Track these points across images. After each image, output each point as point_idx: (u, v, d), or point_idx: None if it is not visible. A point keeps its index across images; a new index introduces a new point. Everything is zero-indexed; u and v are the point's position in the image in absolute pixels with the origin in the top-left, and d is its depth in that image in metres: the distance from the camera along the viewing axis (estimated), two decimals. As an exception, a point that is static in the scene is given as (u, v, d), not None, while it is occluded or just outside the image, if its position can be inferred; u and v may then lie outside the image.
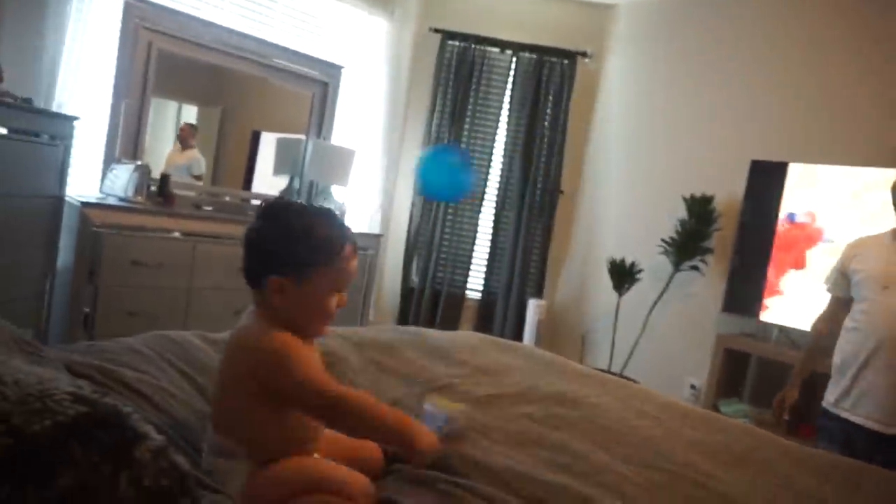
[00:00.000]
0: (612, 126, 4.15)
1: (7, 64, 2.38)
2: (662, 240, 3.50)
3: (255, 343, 1.00)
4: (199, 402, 1.26)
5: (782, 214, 3.11)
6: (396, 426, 1.03)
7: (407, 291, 4.23)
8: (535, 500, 1.07)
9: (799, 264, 3.06)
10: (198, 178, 3.48)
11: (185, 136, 3.45)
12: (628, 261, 3.61)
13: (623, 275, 3.61)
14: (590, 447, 1.31)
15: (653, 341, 3.59)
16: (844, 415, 1.97)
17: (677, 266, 3.47)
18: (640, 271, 3.60)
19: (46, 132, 2.45)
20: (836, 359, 2.04)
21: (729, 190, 3.39)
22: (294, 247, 1.01)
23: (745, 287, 3.22)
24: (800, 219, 3.08)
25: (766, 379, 3.22)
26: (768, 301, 3.11)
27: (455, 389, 1.56)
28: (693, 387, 3.50)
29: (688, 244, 3.42)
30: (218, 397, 1.06)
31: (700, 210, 3.39)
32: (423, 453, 1.03)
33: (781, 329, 3.08)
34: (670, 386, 3.37)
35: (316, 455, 1.09)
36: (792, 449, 1.53)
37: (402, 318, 4.15)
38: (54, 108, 2.69)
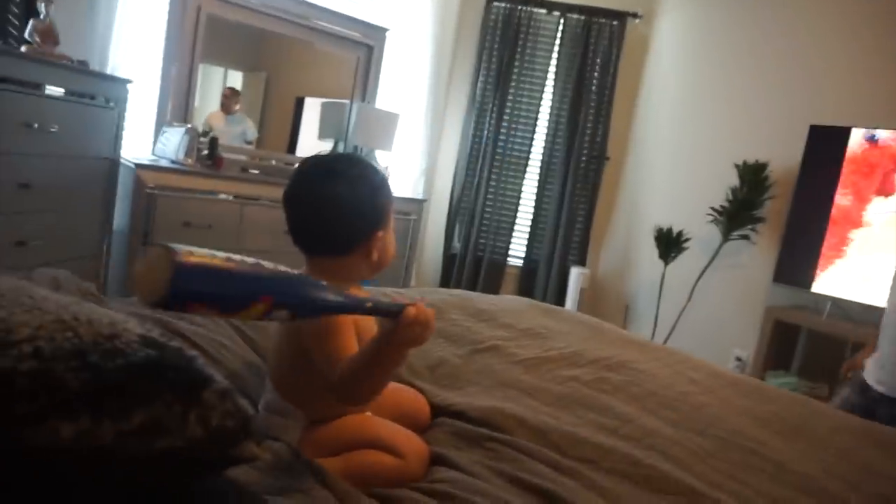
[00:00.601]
0: (661, 90, 4.02)
1: (62, 27, 2.42)
2: (712, 208, 3.40)
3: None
4: (251, 355, 1.30)
5: (856, 142, 2.93)
6: (392, 358, 0.88)
7: (449, 258, 4.24)
8: (583, 459, 1.07)
9: (888, 189, 2.82)
10: (250, 143, 3.54)
11: (228, 101, 3.49)
12: (675, 229, 3.52)
13: (670, 243, 3.53)
14: (638, 411, 1.30)
15: (698, 312, 3.52)
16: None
17: (727, 235, 3.37)
18: (687, 240, 3.52)
19: (102, 94, 2.51)
20: None
21: (785, 157, 3.26)
22: (383, 196, 1.03)
23: (798, 258, 3.11)
24: (883, 140, 2.86)
25: (817, 352, 3.14)
26: (824, 272, 3.01)
27: (501, 351, 1.56)
28: (739, 359, 3.43)
29: (739, 213, 3.31)
30: (275, 358, 1.07)
31: (753, 177, 3.27)
32: (421, 339, 0.86)
33: (835, 301, 2.97)
34: (715, 357, 3.29)
35: (368, 413, 1.10)
36: (849, 421, 1.49)
37: (444, 285, 4.17)
38: (109, 71, 2.75)
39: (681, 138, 3.86)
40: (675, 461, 1.11)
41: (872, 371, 2.01)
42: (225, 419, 0.61)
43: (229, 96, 3.50)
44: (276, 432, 1.00)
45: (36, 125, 2.13)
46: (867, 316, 2.73)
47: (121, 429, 0.53)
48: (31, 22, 2.35)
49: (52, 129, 2.19)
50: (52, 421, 0.49)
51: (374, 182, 1.02)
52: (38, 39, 2.32)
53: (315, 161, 1.04)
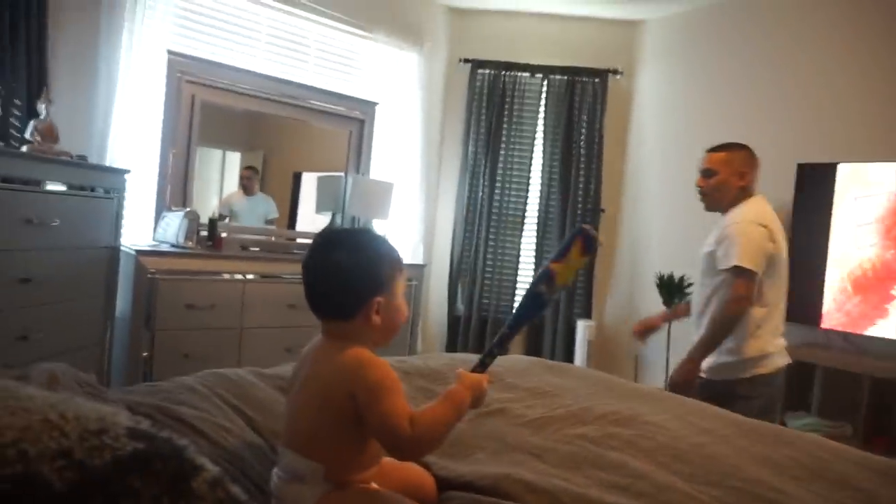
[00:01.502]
0: (648, 140, 4.10)
1: (62, 124, 2.51)
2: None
3: (355, 359, 1.01)
4: (251, 436, 1.28)
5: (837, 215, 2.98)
6: (457, 415, 1.04)
7: (453, 320, 4.22)
8: (596, 523, 1.04)
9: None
10: (270, 222, 3.64)
11: (248, 182, 3.59)
12: (677, 275, 3.52)
13: (672, 289, 3.52)
14: (650, 466, 1.27)
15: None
16: None
17: (729, 278, 3.36)
18: (689, 285, 3.50)
19: (101, 186, 2.57)
20: None
21: (776, 196, 3.28)
22: (383, 265, 1.08)
23: (804, 295, 3.09)
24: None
25: (834, 390, 3.07)
26: (827, 309, 2.98)
27: (507, 413, 1.53)
28: (756, 402, 3.35)
29: (738, 254, 3.31)
30: (298, 418, 1.07)
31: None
32: (479, 403, 1.09)
33: (846, 337, 2.93)
34: (732, 402, 3.23)
35: (374, 485, 1.08)
36: (870, 460, 1.44)
37: (450, 347, 4.14)
38: (108, 163, 2.83)
39: (672, 185, 3.91)
40: (691, 517, 1.07)
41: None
42: (216, 509, 0.60)
43: (249, 177, 3.60)
44: (292, 500, 1.01)
45: (36, 220, 2.17)
46: (884, 348, 2.70)
47: (108, 528, 0.52)
48: (31, 122, 2.43)
49: (53, 224, 2.24)
50: (36, 525, 0.49)
51: (373, 251, 1.09)
52: (38, 138, 2.40)
53: (323, 233, 1.15)
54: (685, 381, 2.19)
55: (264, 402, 1.42)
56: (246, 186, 3.59)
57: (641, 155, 4.15)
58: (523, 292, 4.06)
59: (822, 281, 3.01)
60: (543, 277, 1.15)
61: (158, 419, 1.17)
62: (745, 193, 2.33)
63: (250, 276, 3.01)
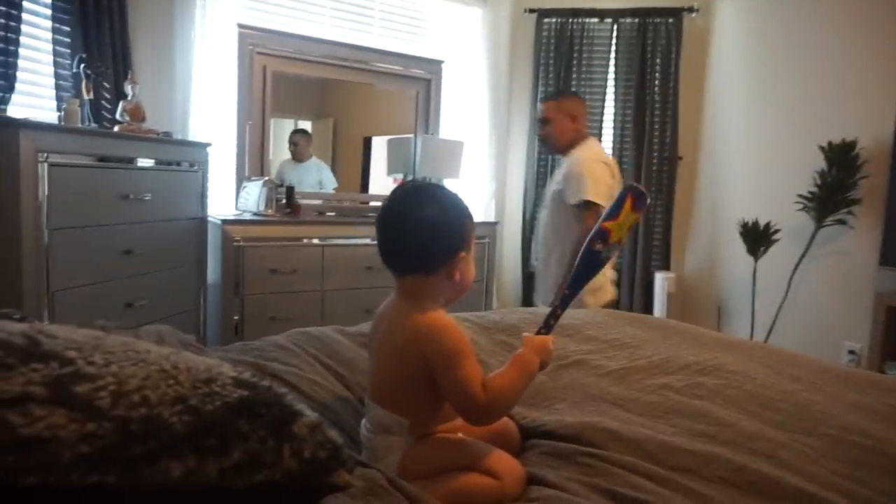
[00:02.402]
0: (728, 82, 3.88)
1: (147, 104, 2.65)
2: (800, 195, 3.22)
3: (430, 326, 1.02)
4: (341, 389, 1.34)
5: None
6: (528, 380, 1.06)
7: (528, 276, 4.21)
8: (681, 469, 1.03)
9: None
10: (325, 196, 3.64)
11: (298, 148, 3.56)
12: (762, 221, 3.36)
13: (758, 237, 3.36)
14: (737, 415, 1.24)
15: (799, 306, 3.32)
16: None
17: (820, 222, 3.18)
18: (776, 231, 3.34)
19: (186, 160, 2.71)
20: None
21: (874, 132, 3.05)
22: (468, 221, 1.09)
23: (904, 236, 2.89)
24: None
25: (941, 337, 2.88)
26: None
27: (587, 364, 1.53)
28: (852, 352, 3.20)
29: (831, 197, 3.13)
30: (380, 374, 1.11)
31: (842, 158, 3.09)
32: (546, 365, 1.10)
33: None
34: (825, 353, 3.10)
35: (460, 434, 1.12)
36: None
37: (525, 303, 4.14)
38: (190, 138, 2.97)
39: (756, 127, 3.70)
40: (782, 464, 1.05)
41: None
42: (317, 450, 0.65)
43: (296, 142, 3.57)
44: (378, 451, 1.05)
45: (131, 195, 2.32)
46: None
47: (223, 465, 0.58)
48: (120, 103, 2.58)
49: (146, 197, 2.38)
50: (163, 461, 0.54)
51: (460, 206, 1.09)
52: (127, 118, 2.55)
53: (409, 186, 1.15)
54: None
55: (350, 357, 1.48)
56: (294, 153, 3.54)
57: (720, 98, 3.93)
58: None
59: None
60: (599, 235, 1.15)
61: (257, 374, 1.24)
62: (580, 135, 2.64)
63: (328, 241, 3.11)
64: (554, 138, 2.67)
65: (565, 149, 2.65)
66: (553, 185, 2.65)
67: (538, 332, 1.12)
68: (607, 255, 1.16)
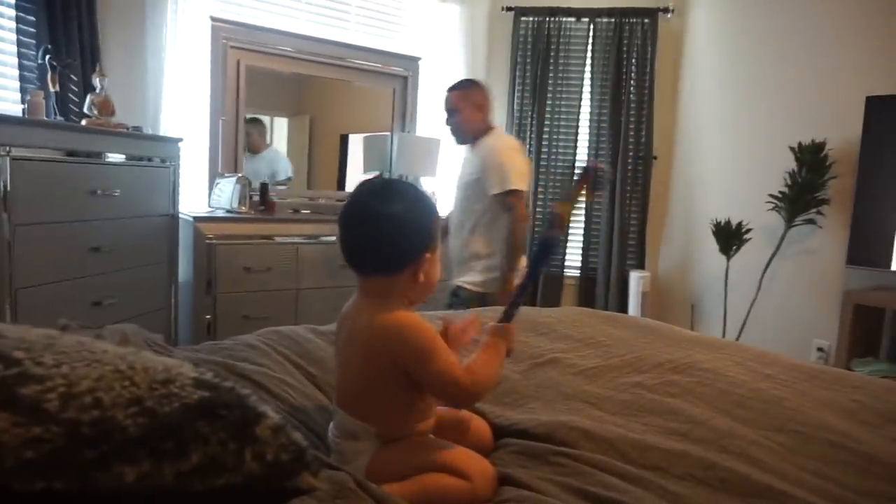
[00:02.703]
0: (702, 82, 3.92)
1: (116, 97, 2.59)
2: (771, 195, 3.27)
3: (397, 326, 1.00)
4: (312, 390, 1.32)
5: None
6: (499, 363, 1.09)
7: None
8: (653, 467, 1.04)
9: None
10: (282, 184, 3.51)
11: (253, 139, 3.40)
12: (734, 221, 3.40)
13: (730, 236, 3.41)
14: (709, 413, 1.25)
15: (770, 304, 3.37)
16: None
17: (791, 221, 3.23)
18: (748, 231, 3.39)
19: (157, 155, 2.65)
20: None
21: (843, 133, 3.11)
22: (434, 220, 1.07)
23: (872, 237, 2.95)
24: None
25: (906, 334, 2.94)
26: (901, 249, 2.83)
27: (561, 363, 1.53)
28: (821, 350, 3.26)
29: (801, 197, 3.18)
30: (344, 379, 1.09)
31: (811, 159, 3.14)
32: (511, 351, 1.13)
33: (919, 278, 2.79)
34: (795, 351, 3.14)
35: (430, 436, 1.11)
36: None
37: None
38: (161, 133, 2.91)
39: (729, 127, 3.74)
40: (753, 461, 1.06)
41: None
42: (280, 453, 0.63)
43: (250, 133, 3.35)
44: (346, 456, 1.02)
45: (100, 191, 2.26)
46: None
47: (180, 469, 0.55)
48: (88, 97, 2.52)
49: (115, 194, 2.33)
50: (115, 466, 0.52)
51: (427, 203, 1.06)
52: (96, 112, 2.49)
53: (372, 183, 1.09)
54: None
55: (321, 357, 1.46)
56: (249, 144, 3.35)
57: (695, 98, 3.97)
58: (574, 245, 4.06)
59: (893, 221, 2.85)
60: (554, 222, 1.18)
61: (222, 375, 1.22)
62: (486, 125, 2.65)
63: (302, 239, 3.07)
64: (461, 129, 2.65)
65: (472, 139, 2.65)
66: (466, 176, 2.65)
67: (499, 321, 1.12)
68: (560, 236, 1.22)
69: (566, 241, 4.07)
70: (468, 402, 1.12)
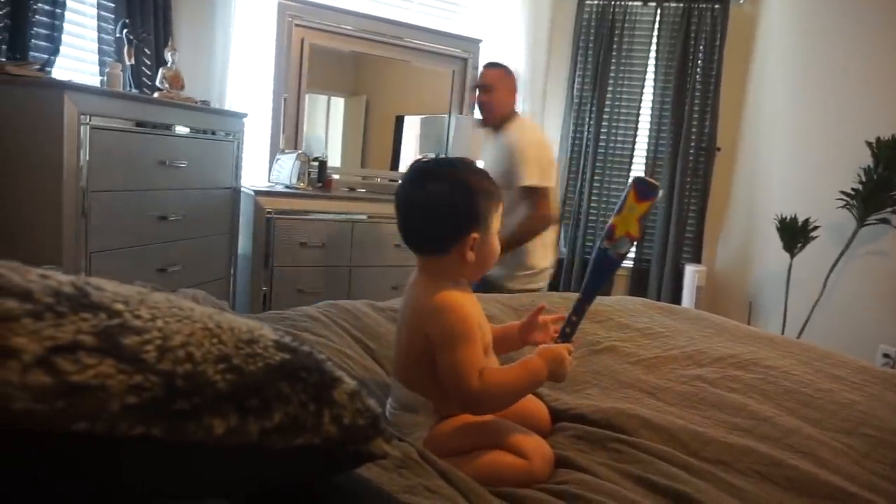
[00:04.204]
0: (773, 72, 3.76)
1: (186, 72, 2.66)
2: (842, 192, 3.12)
3: (434, 305, 1.01)
4: (371, 364, 1.34)
5: None
6: (529, 385, 1.04)
7: (556, 261, 4.17)
8: (715, 461, 1.02)
9: None
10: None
11: None
12: (801, 217, 3.27)
13: (795, 233, 3.27)
14: (774, 410, 1.22)
15: (834, 306, 3.23)
16: None
17: (863, 220, 3.08)
18: (815, 228, 3.25)
19: (222, 129, 2.72)
20: None
21: (926, 127, 2.94)
22: (479, 198, 1.04)
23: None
24: None
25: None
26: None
27: (619, 351, 1.51)
28: (887, 356, 3.11)
29: (875, 194, 3.02)
30: (397, 352, 1.11)
31: (889, 154, 2.98)
32: (560, 378, 1.04)
33: None
34: (859, 355, 3.00)
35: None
36: None
37: (552, 289, 4.11)
38: (227, 108, 2.98)
39: (800, 120, 3.58)
40: (821, 462, 1.03)
41: None
42: (356, 417, 0.64)
43: None
44: (404, 429, 1.04)
45: (167, 162, 2.34)
46: None
47: (264, 426, 0.57)
48: (160, 70, 2.59)
49: (182, 165, 2.40)
50: (206, 418, 0.54)
51: (469, 184, 1.03)
52: (167, 85, 2.56)
53: (416, 165, 1.10)
54: None
55: (380, 332, 1.48)
56: None
57: (764, 89, 3.82)
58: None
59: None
60: (606, 233, 1.13)
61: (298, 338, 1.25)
62: (513, 112, 2.56)
63: (358, 216, 3.11)
64: (493, 108, 2.53)
65: (500, 122, 2.54)
66: (491, 165, 2.48)
67: (556, 341, 1.10)
68: (616, 251, 1.13)
69: (669, 243, 3.96)
70: (470, 409, 1.03)
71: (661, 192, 1.11)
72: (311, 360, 0.67)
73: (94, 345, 0.50)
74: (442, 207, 1.02)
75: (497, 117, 2.54)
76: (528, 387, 1.04)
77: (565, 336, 1.11)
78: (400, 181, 1.08)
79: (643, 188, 1.11)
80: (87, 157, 2.00)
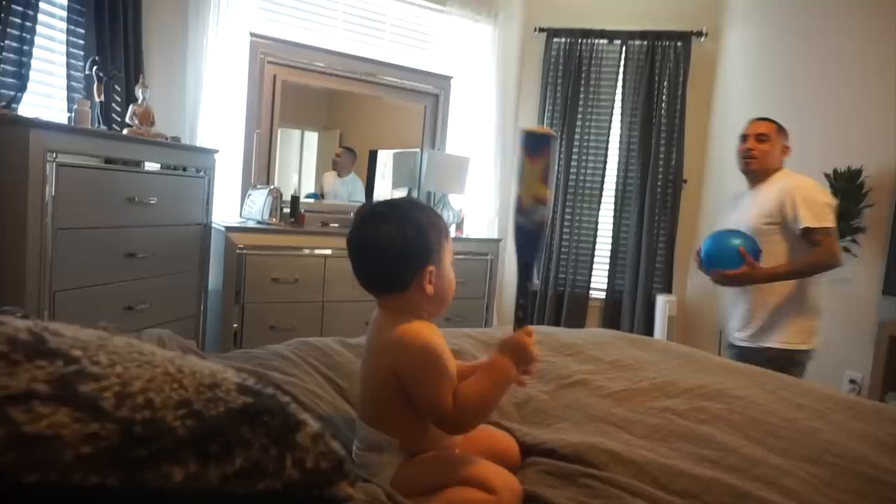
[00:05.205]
0: (735, 106, 3.89)
1: (156, 107, 2.66)
2: (804, 222, 3.21)
3: (399, 337, 1.01)
4: (341, 403, 1.33)
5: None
6: (502, 385, 1.03)
7: (530, 295, 4.19)
8: (684, 494, 1.02)
9: None
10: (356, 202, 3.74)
11: (342, 163, 3.72)
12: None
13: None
14: (741, 440, 1.23)
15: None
16: None
17: (824, 249, 3.16)
18: (779, 258, 3.33)
19: (193, 165, 2.71)
20: None
21: (879, 160, 3.06)
22: (430, 232, 1.05)
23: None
24: None
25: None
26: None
27: (589, 385, 1.52)
28: (853, 382, 3.18)
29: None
30: (365, 392, 1.11)
31: (847, 186, 3.08)
32: (528, 362, 1.04)
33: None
34: (826, 382, 3.05)
35: (456, 450, 1.11)
36: None
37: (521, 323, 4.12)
38: (198, 144, 2.98)
39: (762, 153, 3.70)
40: (786, 492, 1.04)
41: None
42: (319, 461, 0.64)
43: (340, 156, 3.73)
44: (370, 468, 1.03)
45: (137, 198, 2.32)
46: None
47: (224, 472, 0.57)
48: (130, 107, 2.59)
49: (151, 201, 2.39)
50: (164, 465, 0.53)
51: (418, 221, 1.05)
52: (137, 122, 2.56)
53: (364, 210, 1.11)
54: (734, 278, 2.27)
55: (351, 370, 1.47)
56: (337, 165, 3.72)
57: (727, 122, 3.94)
58: (601, 267, 4.02)
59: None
60: (515, 208, 1.07)
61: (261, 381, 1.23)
62: (781, 168, 2.47)
63: (330, 252, 3.11)
64: (764, 160, 2.42)
65: (764, 176, 2.43)
66: (760, 218, 2.35)
67: (514, 330, 1.08)
68: (531, 220, 1.05)
69: (640, 273, 4.03)
70: (454, 430, 1.05)
71: (554, 137, 1.11)
72: (275, 402, 0.66)
73: (49, 393, 0.49)
74: (397, 246, 1.04)
75: (767, 170, 2.43)
76: (502, 387, 1.03)
77: (520, 321, 1.08)
78: (349, 227, 1.09)
79: (532, 143, 1.05)
80: (53, 194, 1.97)
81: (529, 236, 1.07)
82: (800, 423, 1.34)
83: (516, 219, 1.07)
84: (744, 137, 2.50)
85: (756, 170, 2.45)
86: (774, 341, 2.32)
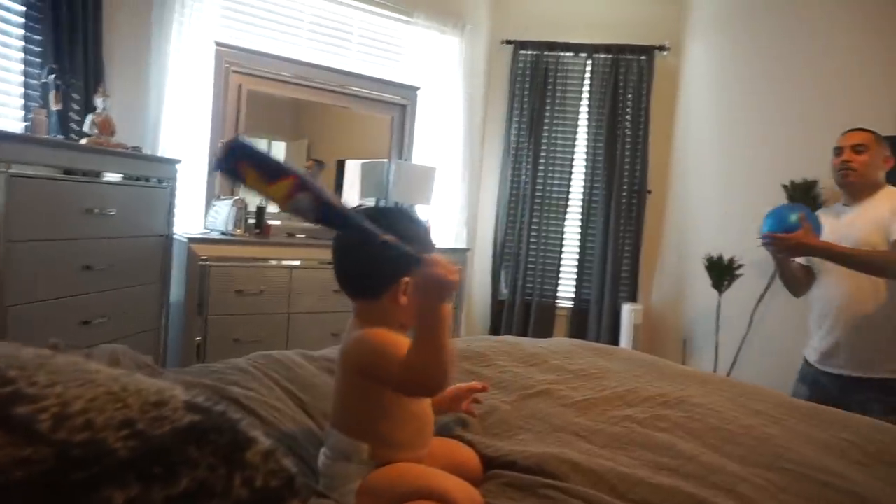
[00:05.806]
0: (697, 118, 3.99)
1: (117, 117, 2.61)
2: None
3: (361, 336, 1.04)
4: (302, 416, 1.32)
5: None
6: (436, 328, 0.94)
7: (497, 304, 4.22)
8: (643, 502, 1.03)
9: None
10: None
11: (312, 174, 3.66)
12: (727, 256, 3.42)
13: (722, 271, 3.43)
14: (699, 448, 1.25)
15: (763, 340, 3.37)
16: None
17: (783, 258, 3.25)
18: (740, 266, 3.41)
19: (154, 176, 2.66)
20: None
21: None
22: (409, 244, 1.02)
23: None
24: None
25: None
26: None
27: (552, 394, 1.53)
28: (812, 387, 3.25)
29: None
30: (336, 397, 1.12)
31: (803, 196, 3.17)
32: (449, 288, 0.93)
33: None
34: (786, 388, 3.14)
35: (421, 464, 1.10)
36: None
37: (494, 332, 4.14)
38: (160, 154, 2.92)
39: (723, 164, 3.79)
40: (742, 498, 1.06)
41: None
42: (269, 479, 0.63)
43: (311, 169, 3.67)
44: (336, 478, 1.03)
45: (96, 210, 2.27)
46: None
47: (169, 494, 0.55)
48: (89, 116, 2.53)
49: (111, 213, 2.33)
50: (104, 489, 0.51)
51: (404, 231, 1.03)
52: (96, 131, 2.50)
53: (356, 209, 1.12)
54: (795, 246, 2.10)
55: (312, 383, 1.45)
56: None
57: (689, 134, 4.03)
58: (567, 276, 4.03)
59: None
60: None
61: (213, 397, 1.21)
62: (884, 182, 2.21)
63: (297, 263, 3.07)
64: (863, 171, 2.17)
65: (869, 190, 2.19)
66: (869, 236, 2.12)
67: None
68: (305, 211, 0.89)
69: (607, 283, 4.06)
70: (422, 392, 1.03)
71: (234, 141, 0.90)
72: (224, 420, 0.65)
73: (-20, 416, 0.47)
74: (374, 253, 1.02)
75: (868, 183, 2.19)
76: (437, 323, 0.93)
77: (415, 259, 0.94)
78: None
79: (228, 164, 0.88)
80: (5, 206, 1.91)
81: (325, 218, 0.92)
82: (756, 429, 1.36)
83: (313, 220, 0.92)
84: (838, 150, 2.25)
85: (855, 182, 2.20)
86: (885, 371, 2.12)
